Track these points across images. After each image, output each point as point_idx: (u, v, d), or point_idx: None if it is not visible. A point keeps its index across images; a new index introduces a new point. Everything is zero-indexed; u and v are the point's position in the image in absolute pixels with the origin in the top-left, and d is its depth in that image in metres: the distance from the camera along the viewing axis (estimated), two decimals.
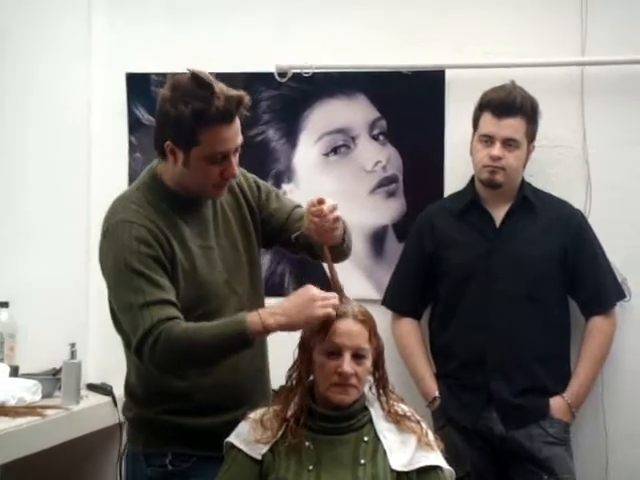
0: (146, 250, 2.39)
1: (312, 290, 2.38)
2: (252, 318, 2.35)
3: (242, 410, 2.52)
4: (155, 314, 2.33)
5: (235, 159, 2.46)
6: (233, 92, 2.38)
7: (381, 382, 2.54)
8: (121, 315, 2.43)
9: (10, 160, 3.41)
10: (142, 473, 2.56)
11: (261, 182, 2.74)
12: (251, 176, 2.73)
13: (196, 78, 2.37)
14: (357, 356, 2.43)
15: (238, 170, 2.50)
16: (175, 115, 2.36)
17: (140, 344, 2.35)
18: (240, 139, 2.46)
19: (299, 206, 2.74)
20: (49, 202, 3.56)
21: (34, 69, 3.49)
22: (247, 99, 2.41)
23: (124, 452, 2.67)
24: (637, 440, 3.42)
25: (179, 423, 2.52)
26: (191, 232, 2.51)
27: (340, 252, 2.62)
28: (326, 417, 2.46)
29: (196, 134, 2.37)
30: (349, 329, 2.44)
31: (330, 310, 2.36)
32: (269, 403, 2.54)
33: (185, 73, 2.40)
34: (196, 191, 2.51)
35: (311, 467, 2.40)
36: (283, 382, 2.55)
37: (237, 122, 2.42)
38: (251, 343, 2.36)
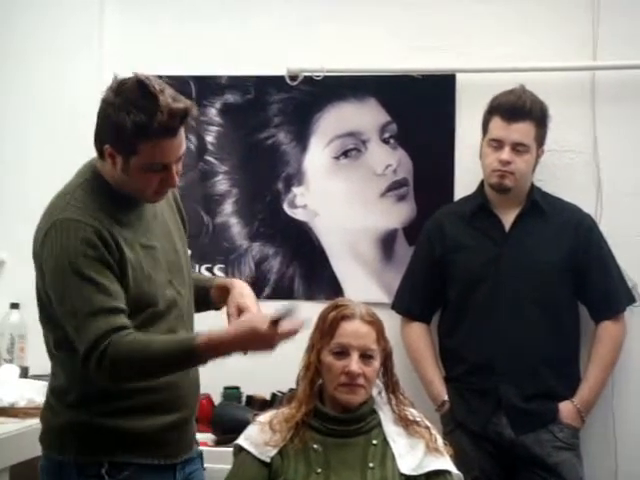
0: (93, 253, 2.26)
1: (258, 328, 2.21)
2: (201, 345, 2.22)
3: (177, 414, 2.39)
4: (101, 325, 2.21)
5: (176, 167, 2.34)
6: (179, 105, 2.24)
7: (391, 385, 2.54)
8: (65, 319, 2.28)
9: (11, 166, 3.43)
10: None
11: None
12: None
13: (142, 86, 2.24)
14: (365, 356, 2.44)
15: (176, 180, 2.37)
16: (116, 122, 2.24)
17: (86, 357, 2.23)
18: (183, 149, 2.32)
19: None
20: None
21: (41, 68, 3.50)
22: (194, 110, 2.29)
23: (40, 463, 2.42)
24: None
25: (114, 426, 2.33)
26: (135, 231, 2.39)
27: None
28: (334, 419, 2.46)
29: (135, 145, 2.25)
30: (356, 329, 2.45)
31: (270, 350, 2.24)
32: (277, 406, 2.54)
33: (131, 77, 2.27)
34: (135, 195, 2.39)
35: (319, 470, 2.40)
36: (288, 384, 2.55)
37: (181, 134, 2.29)
38: (200, 364, 2.31)
